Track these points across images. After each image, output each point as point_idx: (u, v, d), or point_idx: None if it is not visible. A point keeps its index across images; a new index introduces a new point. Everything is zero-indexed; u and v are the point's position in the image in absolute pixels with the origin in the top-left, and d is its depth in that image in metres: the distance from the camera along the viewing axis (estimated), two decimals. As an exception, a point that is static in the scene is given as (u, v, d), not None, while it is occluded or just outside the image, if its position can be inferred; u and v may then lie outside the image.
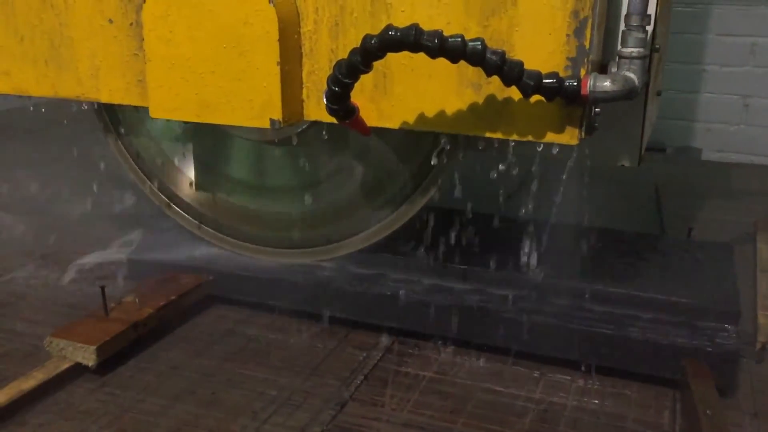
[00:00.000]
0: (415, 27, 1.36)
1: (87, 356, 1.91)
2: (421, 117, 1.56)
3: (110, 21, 1.74)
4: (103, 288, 2.07)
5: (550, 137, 1.48)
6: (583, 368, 1.94)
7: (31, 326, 2.17)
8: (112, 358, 1.96)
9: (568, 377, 1.93)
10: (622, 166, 1.68)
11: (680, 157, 4.14)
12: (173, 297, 2.18)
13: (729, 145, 4.06)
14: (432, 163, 1.86)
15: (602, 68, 1.54)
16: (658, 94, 2.00)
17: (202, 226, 2.33)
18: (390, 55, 1.42)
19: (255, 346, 2.08)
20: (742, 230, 2.93)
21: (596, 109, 1.50)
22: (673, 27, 2.06)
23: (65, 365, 1.90)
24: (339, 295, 2.14)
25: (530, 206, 1.92)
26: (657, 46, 1.58)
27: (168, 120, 1.94)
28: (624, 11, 1.47)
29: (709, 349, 1.83)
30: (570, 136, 1.46)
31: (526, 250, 2.02)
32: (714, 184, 3.68)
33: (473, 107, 1.51)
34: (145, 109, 1.76)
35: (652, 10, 1.45)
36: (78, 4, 1.77)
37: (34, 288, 2.45)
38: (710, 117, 4.07)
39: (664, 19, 1.79)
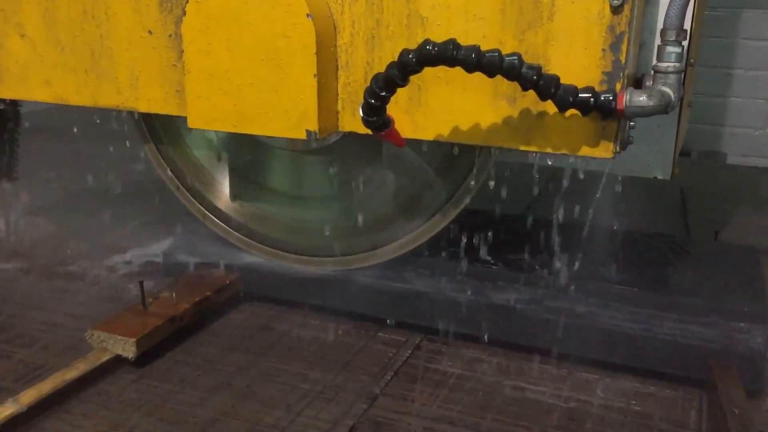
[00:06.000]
0: (452, 42, 1.37)
1: (127, 348, 1.95)
2: (456, 129, 1.57)
3: (150, 32, 1.76)
4: (141, 283, 2.12)
5: (585, 151, 1.48)
6: (609, 367, 1.95)
7: (73, 320, 2.22)
8: (150, 351, 2.01)
9: (596, 376, 1.95)
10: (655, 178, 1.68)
11: (705, 161, 4.09)
12: (208, 293, 2.22)
13: (754, 149, 4.00)
14: None
15: (636, 82, 1.53)
16: (689, 105, 1.99)
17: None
18: (425, 68, 1.43)
19: (287, 341, 2.12)
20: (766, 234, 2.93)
21: (631, 123, 1.51)
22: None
23: (106, 357, 1.95)
24: (369, 293, 2.16)
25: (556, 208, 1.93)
26: (692, 61, 1.57)
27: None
28: (659, 25, 1.46)
29: (737, 350, 1.84)
30: (605, 150, 1.47)
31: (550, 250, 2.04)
32: (739, 188, 3.64)
33: (508, 120, 1.52)
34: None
35: (688, 25, 1.45)
36: (119, 16, 1.78)
37: (76, 283, 2.49)
38: (736, 121, 4.01)
39: (697, 31, 1.77)
